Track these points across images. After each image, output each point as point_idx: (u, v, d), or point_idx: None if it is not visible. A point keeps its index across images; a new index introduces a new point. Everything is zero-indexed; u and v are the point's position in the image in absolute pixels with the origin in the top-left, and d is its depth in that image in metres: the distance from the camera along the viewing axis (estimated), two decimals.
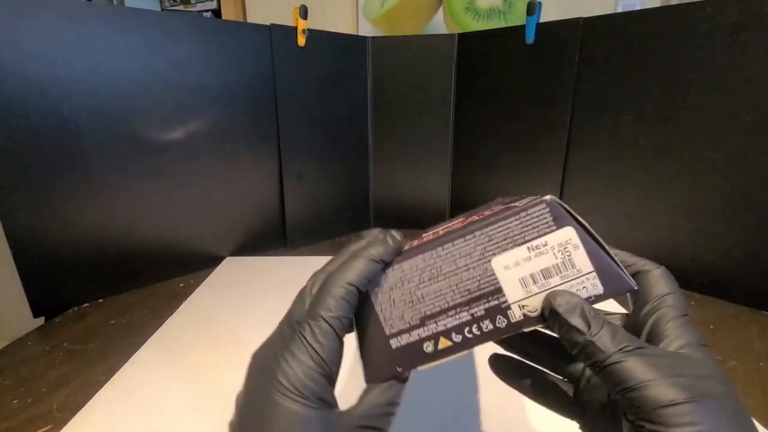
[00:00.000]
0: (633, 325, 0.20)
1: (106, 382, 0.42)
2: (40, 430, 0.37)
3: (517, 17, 1.06)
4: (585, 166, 0.69)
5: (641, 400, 0.16)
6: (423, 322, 0.22)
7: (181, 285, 0.64)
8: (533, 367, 0.26)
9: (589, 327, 0.18)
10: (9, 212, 0.51)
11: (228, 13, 1.25)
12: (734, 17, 0.53)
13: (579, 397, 0.24)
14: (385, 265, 0.22)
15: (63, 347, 0.49)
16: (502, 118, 0.76)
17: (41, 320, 0.55)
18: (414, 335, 0.22)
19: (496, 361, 0.27)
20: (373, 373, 0.23)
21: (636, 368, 0.16)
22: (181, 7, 1.36)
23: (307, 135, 0.76)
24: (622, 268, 0.20)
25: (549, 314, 0.19)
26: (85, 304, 0.59)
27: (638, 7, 1.01)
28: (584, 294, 0.20)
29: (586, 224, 0.20)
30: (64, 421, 0.37)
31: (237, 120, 0.68)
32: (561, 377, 0.25)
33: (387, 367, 0.22)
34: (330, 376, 0.19)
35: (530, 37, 0.69)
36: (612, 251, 0.20)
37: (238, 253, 0.74)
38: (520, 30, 0.70)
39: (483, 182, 0.81)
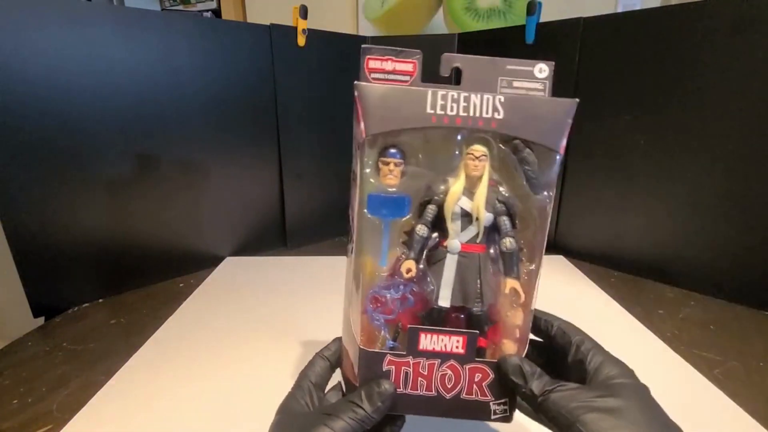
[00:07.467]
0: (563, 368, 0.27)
1: (106, 382, 0.42)
2: (40, 430, 0.37)
3: (517, 17, 1.06)
4: (585, 166, 0.69)
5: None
6: None
7: (181, 285, 0.64)
8: None
9: (525, 381, 0.24)
10: (9, 212, 0.51)
11: (228, 13, 1.25)
12: (734, 17, 0.53)
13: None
14: None
15: (63, 347, 0.49)
16: None
17: (41, 320, 0.55)
18: None
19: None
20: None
21: (559, 402, 0.23)
22: (181, 7, 1.35)
23: (307, 135, 0.76)
24: None
25: (499, 369, 0.26)
26: (85, 304, 0.59)
27: (638, 7, 1.01)
28: None
29: None
30: (64, 421, 0.37)
31: (237, 120, 0.68)
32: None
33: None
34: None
35: (530, 37, 0.69)
36: None
37: (238, 253, 0.74)
38: (520, 30, 0.70)
39: None
